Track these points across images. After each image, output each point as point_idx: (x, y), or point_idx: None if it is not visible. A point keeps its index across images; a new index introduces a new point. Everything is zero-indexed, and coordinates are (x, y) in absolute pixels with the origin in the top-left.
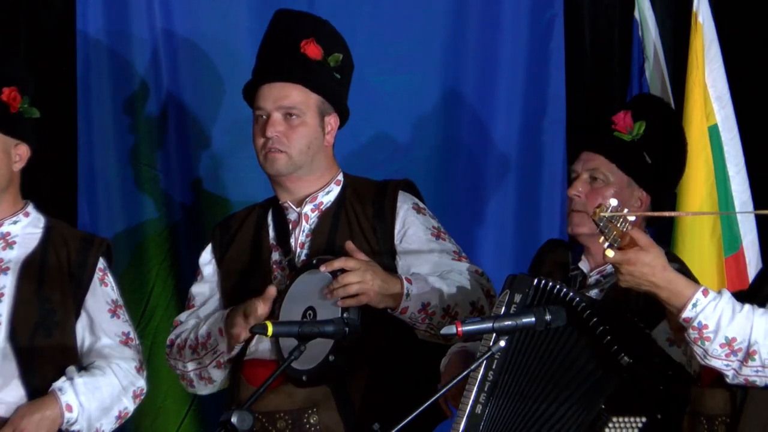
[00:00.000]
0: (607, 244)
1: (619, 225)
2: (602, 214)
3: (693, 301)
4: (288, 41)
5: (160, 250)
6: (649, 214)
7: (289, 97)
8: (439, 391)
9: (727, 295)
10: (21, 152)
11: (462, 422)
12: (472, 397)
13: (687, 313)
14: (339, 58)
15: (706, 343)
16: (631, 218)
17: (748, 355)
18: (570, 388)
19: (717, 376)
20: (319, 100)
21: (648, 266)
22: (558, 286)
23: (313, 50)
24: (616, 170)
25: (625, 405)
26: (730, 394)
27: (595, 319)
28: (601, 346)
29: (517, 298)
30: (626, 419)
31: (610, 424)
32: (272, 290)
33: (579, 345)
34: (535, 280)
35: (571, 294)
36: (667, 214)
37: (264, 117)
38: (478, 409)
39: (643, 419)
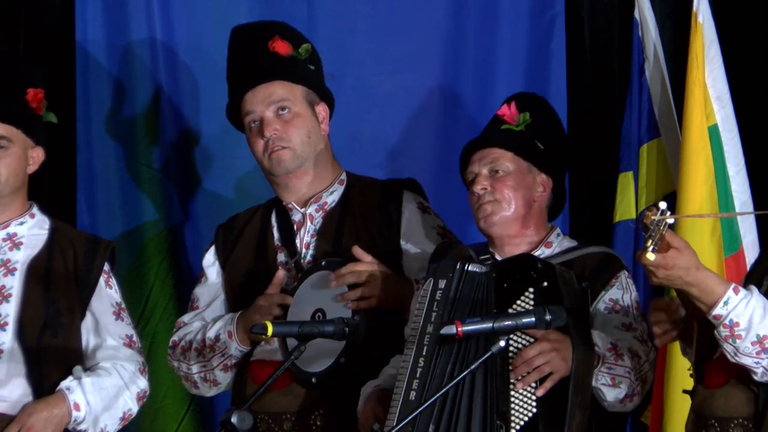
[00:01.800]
0: (652, 247)
1: (661, 228)
2: (653, 217)
3: (724, 299)
4: (255, 46)
5: (160, 250)
6: (688, 216)
7: (275, 92)
8: (439, 392)
9: (756, 293)
10: (36, 155)
11: (397, 409)
12: (404, 385)
13: (717, 311)
14: (309, 48)
15: (738, 341)
16: (671, 221)
17: None
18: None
19: (728, 377)
20: (303, 91)
21: (683, 269)
22: (479, 268)
23: (282, 46)
24: (514, 158)
25: (511, 296)
26: (752, 395)
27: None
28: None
29: (442, 284)
30: (518, 302)
31: (511, 310)
32: (281, 275)
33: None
34: (458, 264)
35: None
36: (705, 215)
37: (256, 122)
38: (412, 395)
39: (531, 289)
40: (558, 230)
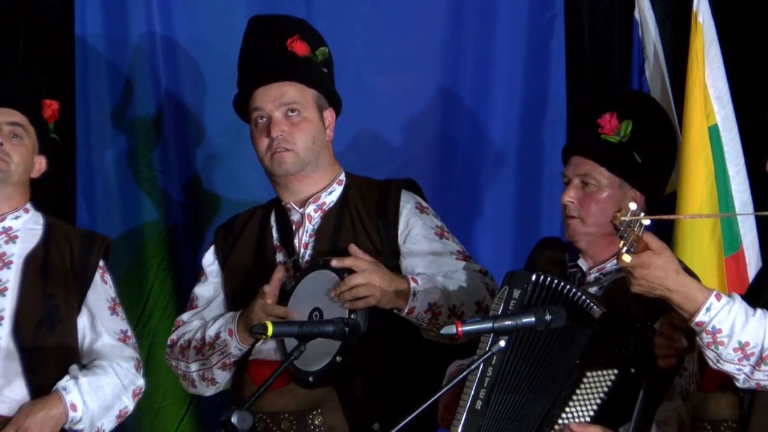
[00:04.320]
0: (625, 248)
1: (635, 229)
2: (623, 218)
3: (707, 305)
4: (273, 42)
5: (159, 250)
6: (666, 217)
7: (288, 93)
8: (438, 393)
9: (739, 300)
10: (40, 163)
11: (462, 418)
12: (472, 394)
13: (700, 318)
14: (326, 51)
15: (720, 347)
16: (646, 222)
17: (761, 359)
18: (561, 375)
19: (720, 381)
20: (315, 95)
21: (661, 269)
22: (557, 281)
23: (300, 47)
24: (607, 173)
25: (597, 359)
26: (737, 399)
27: (592, 305)
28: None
29: (516, 294)
30: (599, 373)
31: (585, 380)
32: (280, 272)
33: (577, 338)
34: (534, 276)
35: (569, 288)
36: (683, 216)
37: (264, 119)
38: (478, 405)
39: (615, 371)
40: None
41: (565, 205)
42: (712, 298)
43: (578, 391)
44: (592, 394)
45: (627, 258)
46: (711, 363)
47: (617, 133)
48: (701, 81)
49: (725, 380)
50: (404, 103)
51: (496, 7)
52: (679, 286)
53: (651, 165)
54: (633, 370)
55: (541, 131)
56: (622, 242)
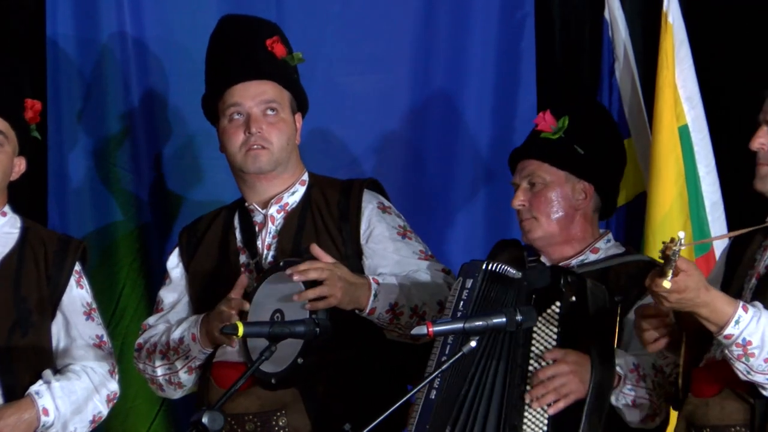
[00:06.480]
0: (670, 276)
1: (675, 256)
2: (675, 248)
3: (735, 318)
4: (253, 41)
5: (130, 251)
6: (700, 242)
7: (268, 92)
8: (408, 394)
9: (764, 309)
10: (20, 164)
11: (419, 407)
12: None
13: (729, 330)
14: (300, 56)
15: (751, 359)
16: (683, 246)
17: None
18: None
19: (722, 387)
20: (290, 97)
21: (694, 291)
22: (505, 268)
23: (280, 49)
24: (550, 168)
25: (540, 304)
26: (746, 404)
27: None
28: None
29: (468, 283)
30: (544, 315)
31: (535, 328)
32: (243, 279)
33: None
34: (484, 265)
35: (515, 271)
36: (713, 239)
37: (241, 115)
38: (433, 394)
39: (558, 304)
40: (609, 236)
41: (518, 210)
42: (740, 310)
43: (534, 335)
44: (547, 330)
45: (667, 285)
46: (740, 375)
47: (555, 130)
48: (671, 81)
49: (731, 384)
50: (375, 104)
51: (467, 7)
52: (708, 301)
53: (594, 155)
54: (574, 299)
55: (513, 131)
56: (670, 271)
